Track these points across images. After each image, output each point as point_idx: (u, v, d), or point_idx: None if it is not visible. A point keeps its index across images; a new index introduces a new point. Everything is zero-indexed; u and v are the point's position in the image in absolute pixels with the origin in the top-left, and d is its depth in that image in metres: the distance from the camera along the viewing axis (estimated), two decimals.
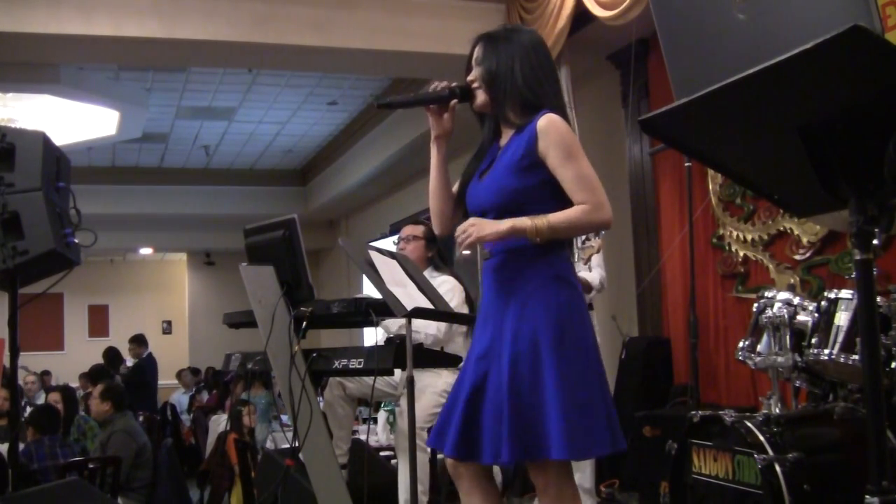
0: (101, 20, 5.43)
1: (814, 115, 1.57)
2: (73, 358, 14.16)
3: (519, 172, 2.26)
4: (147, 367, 9.42)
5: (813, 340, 3.16)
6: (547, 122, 2.23)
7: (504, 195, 2.28)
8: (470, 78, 2.37)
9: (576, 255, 3.78)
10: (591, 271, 4.02)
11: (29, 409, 6.66)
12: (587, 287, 3.98)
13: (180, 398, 10.61)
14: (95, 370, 9.06)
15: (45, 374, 11.46)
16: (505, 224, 2.21)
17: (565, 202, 2.25)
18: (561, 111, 2.29)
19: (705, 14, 1.70)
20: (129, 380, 8.84)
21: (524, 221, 2.20)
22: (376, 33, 5.91)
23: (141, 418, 6.42)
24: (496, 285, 2.31)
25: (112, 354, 9.90)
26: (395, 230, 8.42)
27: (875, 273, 1.68)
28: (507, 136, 2.36)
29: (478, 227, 2.23)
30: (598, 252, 3.78)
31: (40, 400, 8.19)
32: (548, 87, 2.32)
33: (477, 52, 2.37)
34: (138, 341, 9.80)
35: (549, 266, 2.26)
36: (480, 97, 2.36)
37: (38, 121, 7.74)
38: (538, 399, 2.15)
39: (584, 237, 3.82)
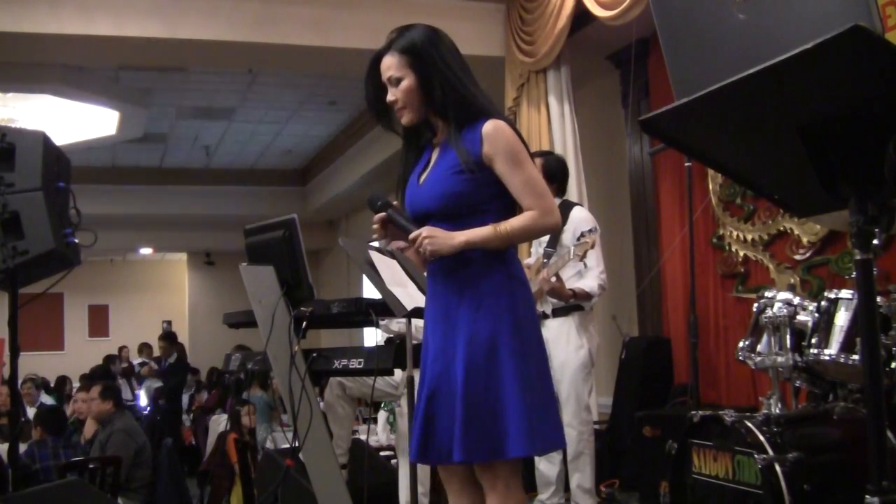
0: (102, 20, 5.42)
1: (814, 115, 1.56)
2: (73, 358, 14.18)
3: (461, 176, 2.24)
4: (185, 367, 9.06)
5: (813, 340, 3.16)
6: (493, 128, 2.23)
7: (447, 200, 2.26)
8: (391, 98, 2.31)
9: (571, 253, 3.76)
10: (587, 268, 3.96)
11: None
12: (585, 297, 3.94)
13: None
14: (95, 372, 9.05)
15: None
16: (458, 238, 2.20)
17: (507, 204, 2.26)
18: (500, 114, 2.30)
19: (705, 14, 1.69)
20: (178, 385, 8.62)
21: (478, 233, 2.20)
22: (376, 33, 5.82)
23: (141, 417, 6.43)
24: (447, 285, 2.28)
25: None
26: None
27: (875, 273, 1.68)
28: (442, 138, 2.34)
29: (432, 242, 2.21)
30: (592, 247, 3.75)
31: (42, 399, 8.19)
32: (474, 86, 2.30)
33: (391, 69, 2.29)
34: (171, 339, 9.12)
35: (503, 265, 2.26)
36: (407, 115, 2.31)
37: (38, 121, 7.74)
38: (495, 400, 2.16)
39: (579, 233, 3.81)
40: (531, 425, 2.14)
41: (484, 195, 2.25)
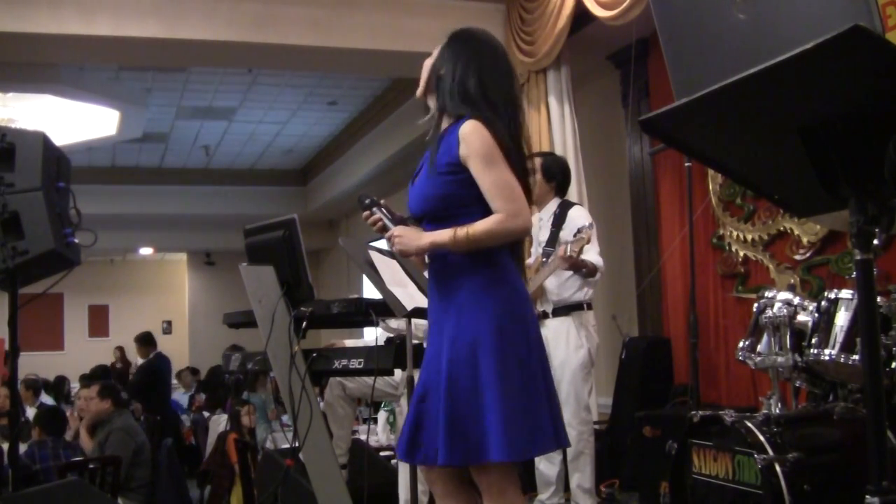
0: (102, 20, 5.42)
1: (814, 115, 1.57)
2: (73, 358, 14.18)
3: (442, 178, 2.25)
4: (157, 368, 8.56)
5: (813, 340, 3.16)
6: (469, 129, 2.22)
7: (430, 202, 2.28)
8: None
9: (568, 249, 3.77)
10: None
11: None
12: (592, 271, 3.97)
13: (180, 398, 10.59)
14: (95, 372, 9.01)
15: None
16: (425, 240, 2.25)
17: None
18: (488, 120, 2.24)
19: (705, 14, 1.69)
20: (137, 385, 8.33)
21: (443, 236, 2.22)
22: (376, 33, 5.90)
23: (142, 417, 6.42)
24: (437, 290, 2.31)
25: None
26: None
27: (875, 273, 1.68)
28: (436, 136, 2.36)
29: (399, 242, 2.30)
30: (588, 243, 3.78)
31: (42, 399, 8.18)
32: (491, 93, 2.29)
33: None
34: (144, 341, 8.89)
35: (483, 269, 2.24)
36: (420, 89, 2.43)
37: (38, 121, 7.74)
38: (477, 405, 2.15)
39: (576, 230, 3.83)
40: (511, 430, 2.12)
41: (470, 196, 2.24)
